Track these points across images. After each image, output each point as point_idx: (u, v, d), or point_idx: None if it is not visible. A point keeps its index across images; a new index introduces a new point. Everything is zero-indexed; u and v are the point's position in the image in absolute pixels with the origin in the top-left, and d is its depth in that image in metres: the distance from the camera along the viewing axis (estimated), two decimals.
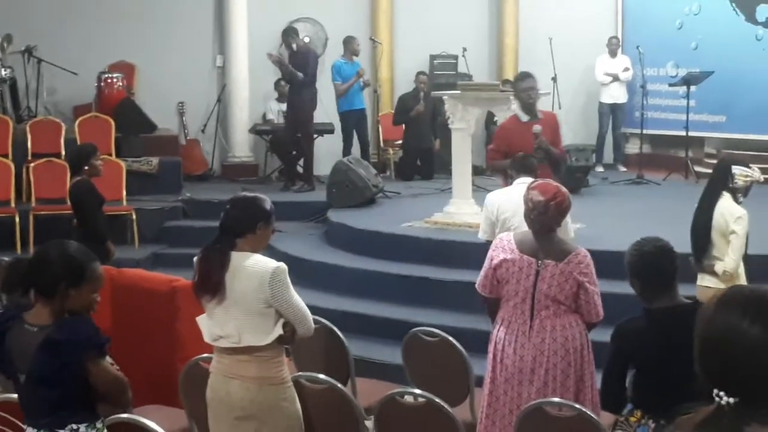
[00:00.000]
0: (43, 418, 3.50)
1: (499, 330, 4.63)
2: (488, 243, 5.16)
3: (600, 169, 12.80)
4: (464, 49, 13.14)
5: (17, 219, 9.74)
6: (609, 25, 13.66)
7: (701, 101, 12.42)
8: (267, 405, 4.12)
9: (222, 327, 4.12)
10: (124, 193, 10.25)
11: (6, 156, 10.50)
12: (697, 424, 1.88)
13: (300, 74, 11.01)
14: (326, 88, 12.07)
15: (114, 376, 3.53)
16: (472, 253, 6.61)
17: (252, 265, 4.06)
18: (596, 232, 7.91)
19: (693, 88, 11.99)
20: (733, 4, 12.44)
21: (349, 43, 12.03)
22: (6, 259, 5.82)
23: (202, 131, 12.89)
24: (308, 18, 12.99)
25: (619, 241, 6.18)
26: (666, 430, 3.73)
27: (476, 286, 4.77)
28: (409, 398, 4.30)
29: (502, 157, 6.90)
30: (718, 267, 5.68)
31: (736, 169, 5.78)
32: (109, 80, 11.69)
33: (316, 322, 4.43)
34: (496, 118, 8.84)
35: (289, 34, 11.43)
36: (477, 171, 10.21)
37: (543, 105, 7.08)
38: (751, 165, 5.93)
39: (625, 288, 4.28)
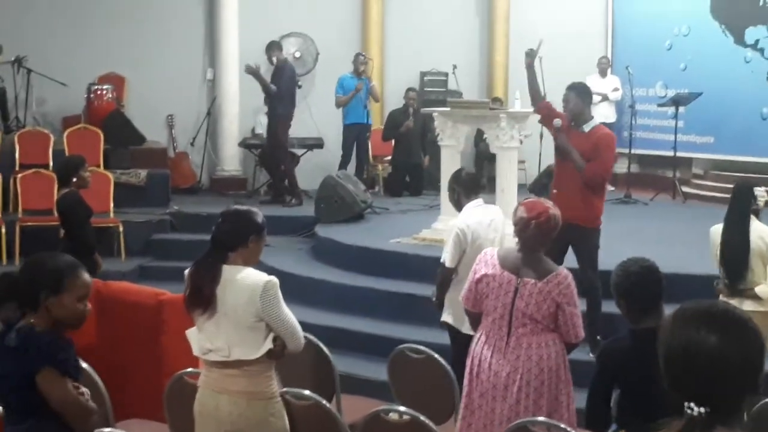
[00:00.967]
0: (9, 425, 3.46)
1: (477, 344, 4.66)
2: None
3: None
4: (454, 66, 13.18)
5: (3, 230, 9.70)
6: (599, 45, 13.76)
7: (689, 122, 12.49)
8: (255, 420, 4.10)
9: (212, 340, 4.10)
10: (112, 205, 10.21)
11: None
12: None
13: (273, 87, 11.08)
14: (320, 102, 12.06)
15: (73, 400, 3.39)
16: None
17: (243, 279, 4.05)
18: None
19: (681, 108, 12.07)
20: (722, 27, 12.51)
21: (354, 59, 12.10)
22: None
23: (192, 144, 12.88)
24: (299, 33, 13.01)
25: (606, 261, 6.22)
26: None
27: (460, 297, 4.83)
28: (394, 415, 4.27)
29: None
30: (761, 291, 5.64)
31: (758, 191, 5.80)
32: (98, 92, 11.68)
33: None
34: (485, 136, 8.85)
35: (272, 48, 11.45)
36: None
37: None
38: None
39: (611, 307, 4.29)
